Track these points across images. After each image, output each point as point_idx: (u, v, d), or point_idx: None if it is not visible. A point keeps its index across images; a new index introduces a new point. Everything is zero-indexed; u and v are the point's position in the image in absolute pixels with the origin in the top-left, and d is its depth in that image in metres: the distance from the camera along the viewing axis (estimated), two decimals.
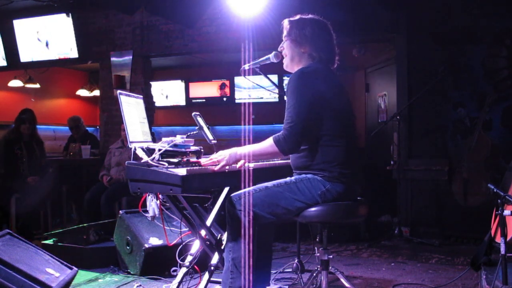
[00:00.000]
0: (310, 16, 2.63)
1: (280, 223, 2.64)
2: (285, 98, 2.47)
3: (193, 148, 2.71)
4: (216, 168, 2.44)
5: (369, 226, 5.20)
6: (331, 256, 2.62)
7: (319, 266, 2.63)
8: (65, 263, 3.08)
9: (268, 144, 2.45)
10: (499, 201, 2.63)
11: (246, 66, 2.90)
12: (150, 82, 6.81)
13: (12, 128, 5.89)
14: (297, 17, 2.63)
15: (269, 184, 2.49)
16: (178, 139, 2.56)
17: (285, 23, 2.64)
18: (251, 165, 2.60)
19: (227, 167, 2.47)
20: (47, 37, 6.68)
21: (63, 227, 5.75)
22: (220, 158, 2.47)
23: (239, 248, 2.42)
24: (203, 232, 2.84)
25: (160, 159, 2.41)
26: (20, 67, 7.23)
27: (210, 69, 8.92)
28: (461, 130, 5.08)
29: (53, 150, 7.42)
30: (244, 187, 2.51)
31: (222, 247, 2.77)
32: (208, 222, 2.97)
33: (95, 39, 6.66)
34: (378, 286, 3.55)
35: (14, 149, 5.67)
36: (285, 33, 2.63)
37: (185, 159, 2.56)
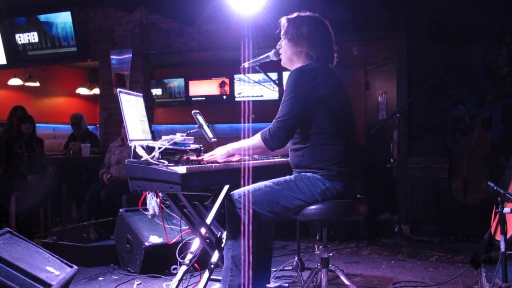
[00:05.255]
0: (307, 13, 2.62)
1: (280, 220, 2.64)
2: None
3: (193, 146, 2.71)
4: (206, 159, 2.51)
5: (369, 224, 5.20)
6: (331, 254, 2.62)
7: (319, 264, 2.63)
8: (65, 261, 3.08)
9: (256, 140, 2.48)
10: (499, 198, 2.63)
11: (246, 64, 2.90)
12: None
13: (8, 127, 5.85)
14: (295, 15, 2.62)
15: (268, 182, 2.50)
16: (178, 137, 2.56)
17: (283, 21, 2.64)
18: (250, 163, 2.60)
19: (220, 160, 2.53)
20: (47, 35, 6.68)
21: (63, 226, 5.76)
22: (211, 153, 2.55)
23: (238, 246, 2.42)
24: (203, 230, 2.84)
25: (160, 157, 2.40)
26: (20, 65, 7.23)
27: (210, 67, 8.92)
28: (461, 128, 5.08)
29: (53, 148, 7.42)
30: (244, 185, 2.52)
31: (222, 245, 2.77)
32: (208, 220, 2.97)
33: (95, 37, 6.66)
34: (378, 284, 3.55)
35: (14, 148, 5.67)
36: (282, 31, 2.63)
37: (185, 157, 2.56)
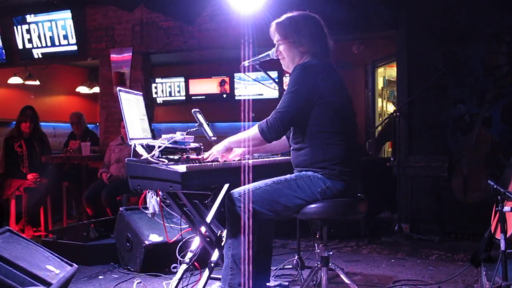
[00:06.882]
0: (296, 13, 2.60)
1: (280, 219, 2.64)
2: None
3: (193, 145, 2.71)
4: (206, 158, 2.52)
5: (369, 222, 5.20)
6: (331, 253, 2.62)
7: (319, 263, 2.63)
8: (65, 260, 3.09)
9: (253, 131, 2.50)
10: (499, 197, 2.63)
11: (246, 63, 2.90)
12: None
13: (14, 126, 5.89)
14: (284, 17, 2.60)
15: (268, 181, 2.50)
16: (178, 136, 2.56)
17: (274, 27, 2.61)
18: (250, 161, 2.60)
19: (219, 158, 2.55)
20: (47, 34, 6.68)
21: (63, 224, 5.76)
22: (209, 152, 2.56)
23: (238, 245, 2.43)
24: (203, 229, 2.84)
25: (160, 156, 2.40)
26: (20, 64, 7.23)
27: (210, 65, 8.91)
28: (461, 127, 5.07)
29: (53, 147, 7.39)
30: (244, 184, 2.52)
31: (222, 244, 2.77)
32: (208, 218, 2.97)
33: (95, 36, 6.66)
34: (378, 282, 3.55)
35: (14, 146, 5.67)
36: (277, 37, 2.61)
37: (185, 156, 2.56)
